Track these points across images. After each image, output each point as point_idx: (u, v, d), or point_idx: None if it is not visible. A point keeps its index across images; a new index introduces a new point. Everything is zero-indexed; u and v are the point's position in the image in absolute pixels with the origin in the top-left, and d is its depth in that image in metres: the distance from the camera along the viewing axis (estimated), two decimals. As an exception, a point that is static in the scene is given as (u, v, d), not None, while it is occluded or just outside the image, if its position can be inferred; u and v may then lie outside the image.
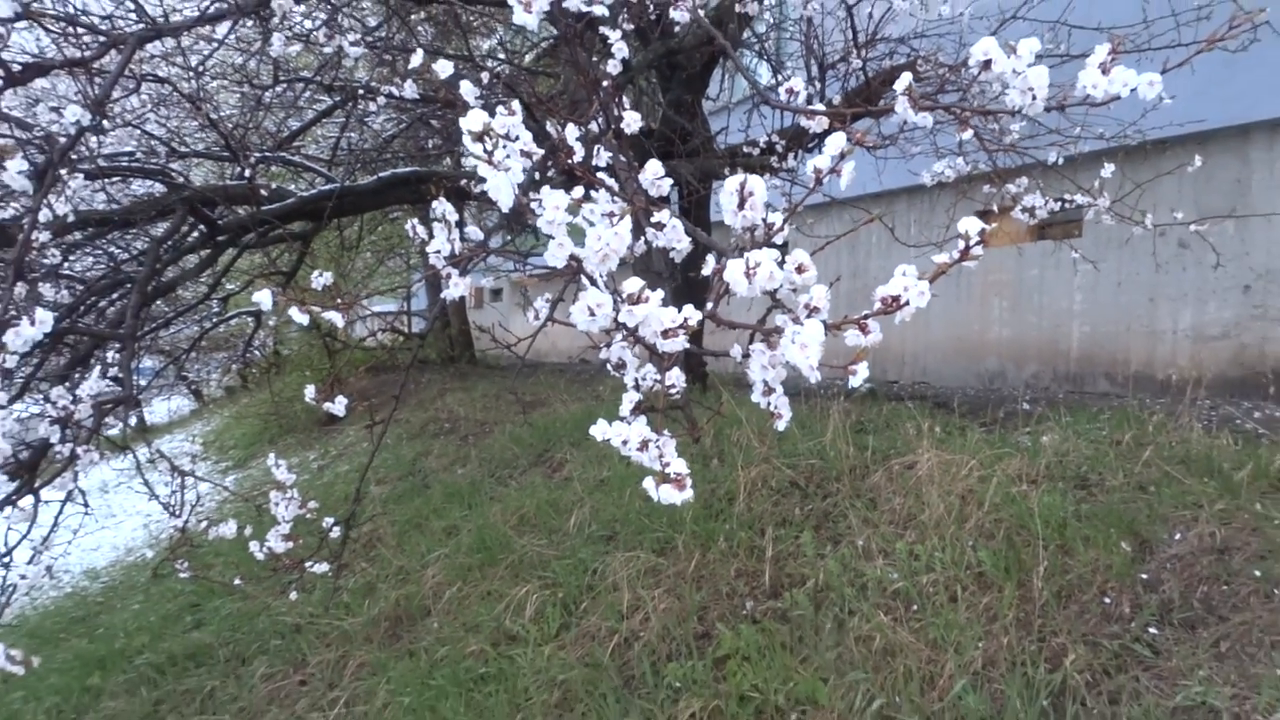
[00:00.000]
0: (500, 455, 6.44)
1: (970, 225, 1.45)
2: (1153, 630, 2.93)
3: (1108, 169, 4.12)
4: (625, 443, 1.54)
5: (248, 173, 4.83)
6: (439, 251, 2.01)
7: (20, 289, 1.99)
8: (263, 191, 4.74)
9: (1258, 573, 3.01)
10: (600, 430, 1.57)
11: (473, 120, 1.23)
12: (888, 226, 6.21)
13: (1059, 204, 4.24)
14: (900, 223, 7.92)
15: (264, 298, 1.73)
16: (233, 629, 5.00)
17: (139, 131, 5.00)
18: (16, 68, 2.10)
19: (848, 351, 1.54)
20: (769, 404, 1.66)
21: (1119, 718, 2.61)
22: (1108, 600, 3.11)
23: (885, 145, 4.56)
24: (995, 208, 4.74)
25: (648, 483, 1.55)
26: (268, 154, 5.45)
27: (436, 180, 3.68)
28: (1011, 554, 3.33)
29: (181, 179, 5.11)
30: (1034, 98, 1.66)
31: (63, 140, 2.56)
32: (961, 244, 1.46)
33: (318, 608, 4.81)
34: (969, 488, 3.77)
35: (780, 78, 5.44)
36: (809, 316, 1.48)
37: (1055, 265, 6.88)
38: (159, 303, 5.82)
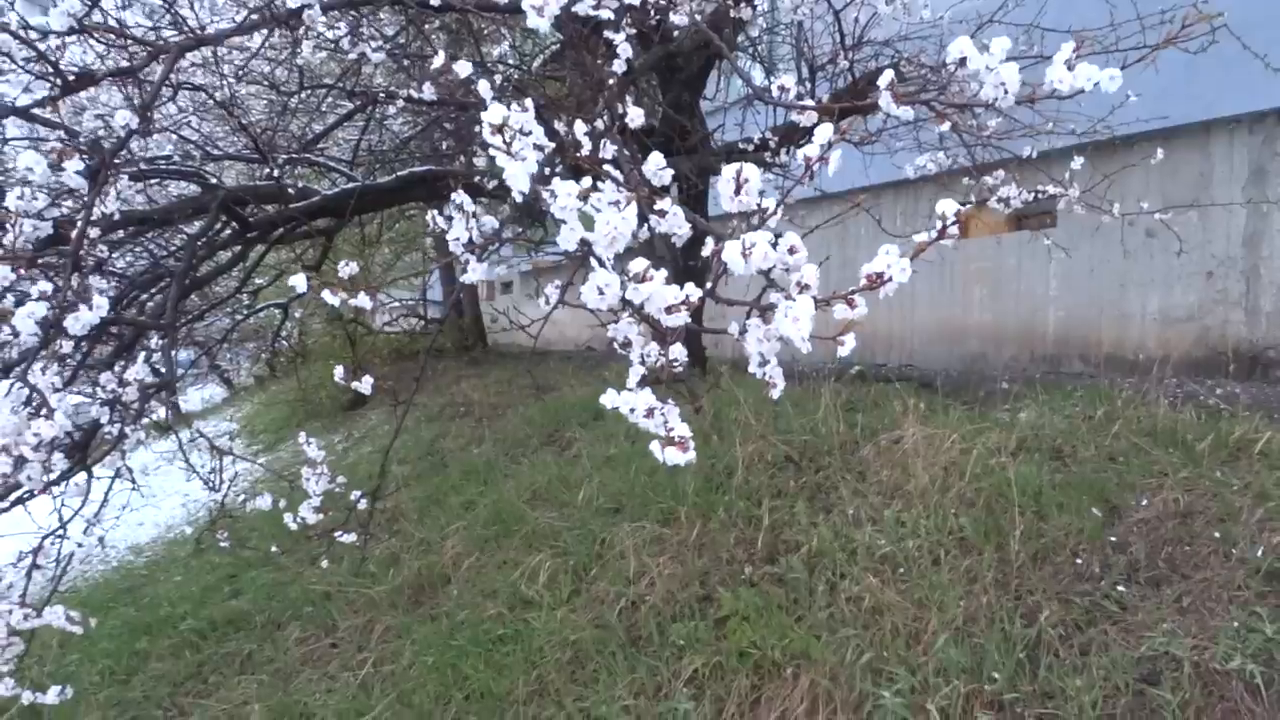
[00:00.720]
0: (513, 435, 6.49)
1: (947, 207, 1.49)
2: (1121, 588, 2.98)
3: (1078, 161, 4.14)
4: (633, 410, 1.58)
5: (275, 173, 4.86)
6: (458, 239, 2.05)
7: (75, 280, 2.03)
8: (290, 190, 4.76)
9: (1217, 534, 3.05)
10: (610, 399, 1.61)
11: (493, 113, 1.26)
12: (875, 218, 6.21)
13: (1033, 195, 4.27)
14: (887, 215, 7.92)
15: (299, 281, 1.77)
16: (268, 597, 5.06)
17: (175, 136, 5.03)
18: (70, 77, 2.13)
19: (834, 325, 1.58)
20: (764, 374, 1.70)
21: (1089, 668, 2.65)
22: (1079, 561, 3.15)
23: (871, 140, 4.58)
24: (974, 199, 4.77)
25: (654, 446, 1.60)
26: (294, 155, 5.47)
27: (454, 176, 3.70)
28: (990, 520, 3.37)
29: (215, 180, 5.14)
30: (1005, 91, 1.70)
31: (110, 144, 2.60)
32: (939, 224, 1.50)
33: (346, 577, 4.87)
34: (951, 460, 3.81)
35: (773, 79, 5.47)
36: (801, 293, 1.52)
37: (1032, 254, 6.89)
38: (194, 296, 5.86)
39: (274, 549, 4.07)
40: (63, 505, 3.24)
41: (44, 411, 2.15)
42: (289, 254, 8.39)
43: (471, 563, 4.43)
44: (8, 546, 3.24)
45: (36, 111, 2.81)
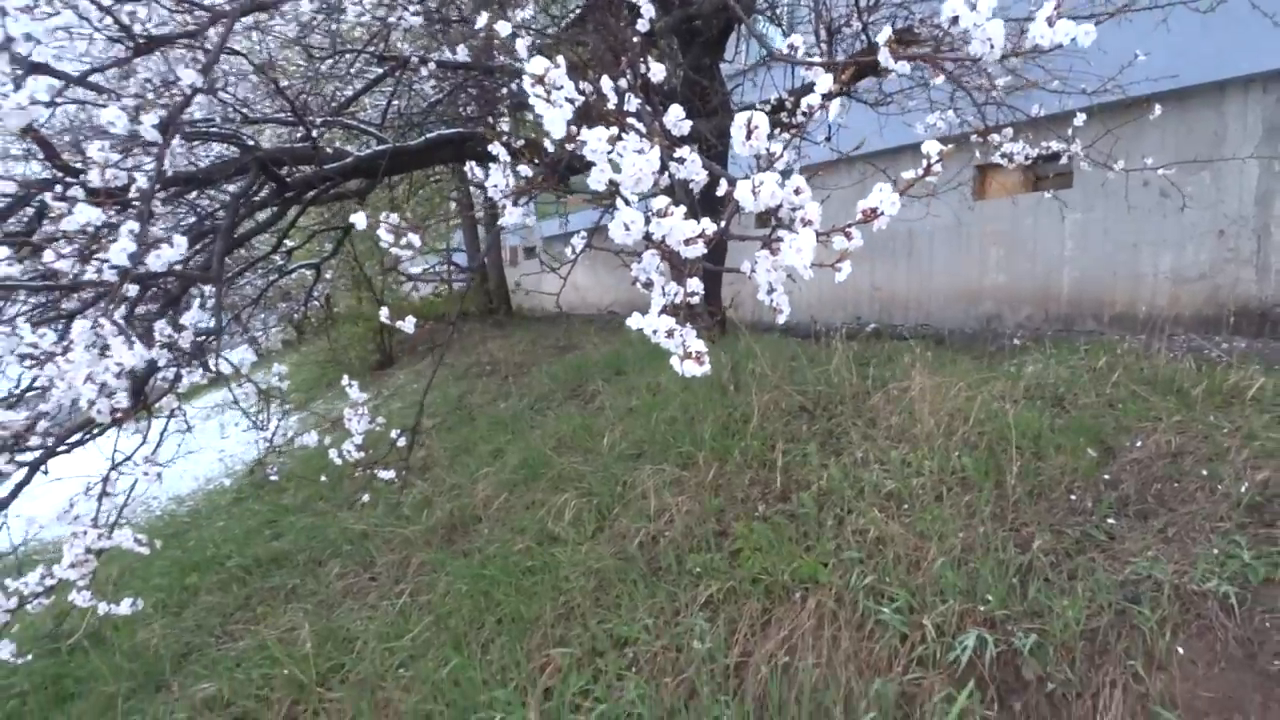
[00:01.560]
0: (538, 390, 6.73)
1: (930, 148, 1.69)
2: (1110, 520, 3.18)
3: (1080, 119, 4.27)
4: (655, 332, 1.80)
5: (311, 136, 5.08)
6: (496, 185, 2.26)
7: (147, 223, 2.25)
8: (327, 151, 4.98)
9: (1204, 472, 3.23)
10: (635, 321, 1.83)
11: (536, 65, 1.46)
12: (890, 178, 6.36)
13: (1037, 152, 4.40)
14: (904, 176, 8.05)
15: (358, 219, 1.98)
16: (308, 538, 5.36)
17: (214, 99, 5.24)
18: (141, 40, 2.33)
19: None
20: (771, 301, 1.91)
21: (1075, 590, 2.86)
22: (1073, 497, 3.35)
23: (886, 102, 4.73)
24: (984, 157, 4.90)
25: (674, 361, 1.82)
26: (328, 119, 5.68)
27: (490, 130, 3.88)
28: (991, 460, 3.58)
29: (252, 142, 5.36)
30: (991, 46, 1.87)
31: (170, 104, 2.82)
32: (925, 163, 1.70)
33: (382, 519, 5.15)
34: (957, 407, 4.00)
35: (786, 38, 5.61)
36: (804, 227, 1.72)
37: (1048, 215, 7.00)
38: (231, 257, 6.10)
39: (319, 486, 4.29)
40: (117, 444, 3.50)
41: (123, 343, 2.38)
42: (318, 218, 8.64)
43: (500, 503, 4.70)
44: (73, 486, 3.53)
45: (94, 79, 3.03)
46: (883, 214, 1.68)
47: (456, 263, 12.39)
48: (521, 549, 4.09)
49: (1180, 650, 2.63)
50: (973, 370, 4.39)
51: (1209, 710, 2.48)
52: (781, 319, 1.90)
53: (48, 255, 2.86)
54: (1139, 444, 3.51)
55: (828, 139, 5.68)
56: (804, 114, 1.77)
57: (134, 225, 2.04)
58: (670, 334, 1.79)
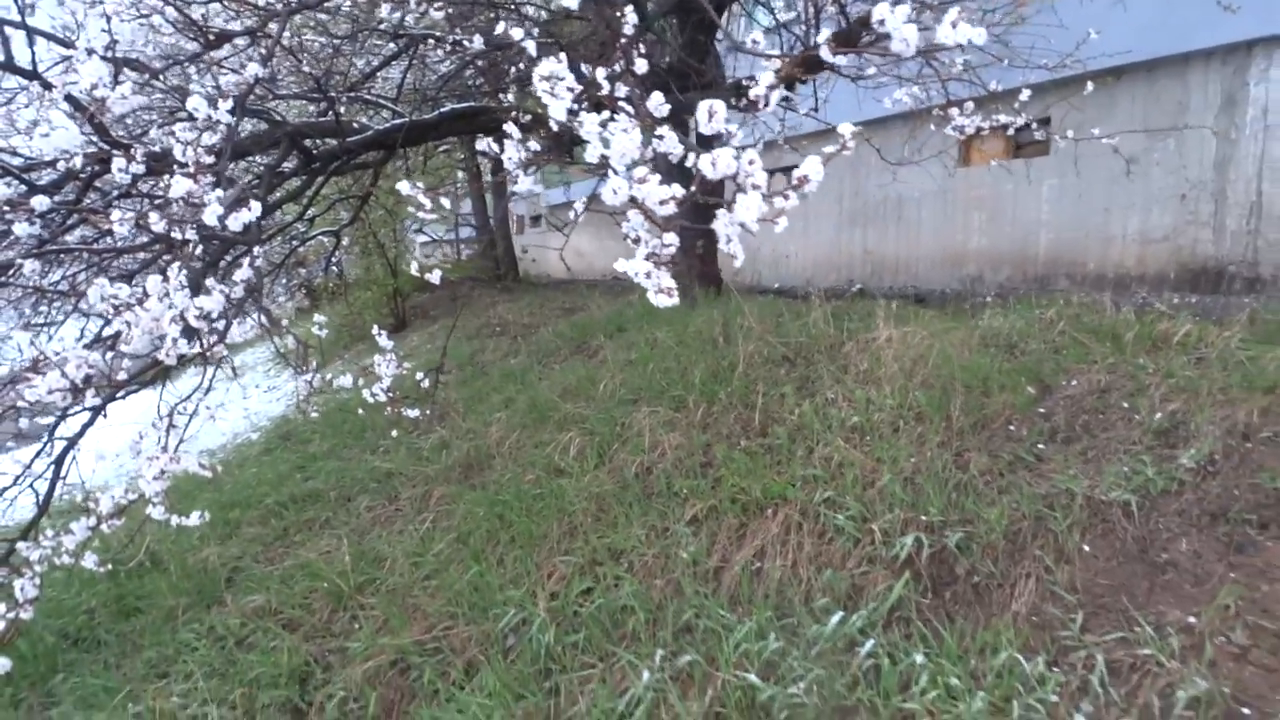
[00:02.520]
0: (545, 347, 7.26)
1: (845, 129, 2.18)
2: (1041, 446, 3.70)
3: (1025, 94, 4.71)
4: (637, 273, 2.30)
5: (335, 110, 5.56)
6: (510, 159, 2.75)
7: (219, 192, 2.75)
8: (353, 125, 5.46)
9: (1125, 405, 3.74)
10: (620, 265, 2.34)
11: (544, 68, 1.96)
12: (875, 148, 6.81)
13: (1008, 121, 4.84)
14: (893, 146, 8.49)
15: (403, 186, 2.48)
16: (337, 479, 5.92)
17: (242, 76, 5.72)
18: (211, 36, 2.81)
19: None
20: (729, 249, 2.41)
21: (1001, 500, 3.39)
22: (1011, 427, 3.87)
23: (864, 78, 5.18)
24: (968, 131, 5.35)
25: (650, 295, 2.32)
26: (351, 95, 6.15)
27: (497, 111, 4.31)
28: (944, 398, 4.08)
29: (280, 117, 5.85)
30: (907, 44, 2.36)
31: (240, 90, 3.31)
32: (840, 143, 2.19)
33: (404, 461, 5.71)
34: (919, 354, 4.51)
35: (755, 26, 6.05)
36: (751, 191, 2.22)
37: (1027, 182, 7.44)
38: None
39: (344, 435, 4.81)
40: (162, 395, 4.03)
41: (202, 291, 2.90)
42: (336, 187, 9.11)
43: (512, 443, 5.24)
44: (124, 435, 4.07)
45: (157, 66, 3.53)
46: (811, 181, 2.17)
47: (470, 223, 12.88)
48: (531, 480, 4.64)
49: (1086, 548, 3.16)
50: (936, 322, 4.89)
51: (1104, 594, 3.00)
52: (738, 263, 2.40)
53: (115, 217, 3.37)
54: (1073, 383, 4.02)
55: (815, 110, 6.13)
56: (749, 101, 2.24)
57: (221, 193, 2.54)
58: (649, 275, 2.29)
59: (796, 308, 5.88)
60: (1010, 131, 5.24)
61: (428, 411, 4.10)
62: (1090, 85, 5.49)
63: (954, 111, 4.40)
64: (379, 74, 7.43)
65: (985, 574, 3.19)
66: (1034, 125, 4.96)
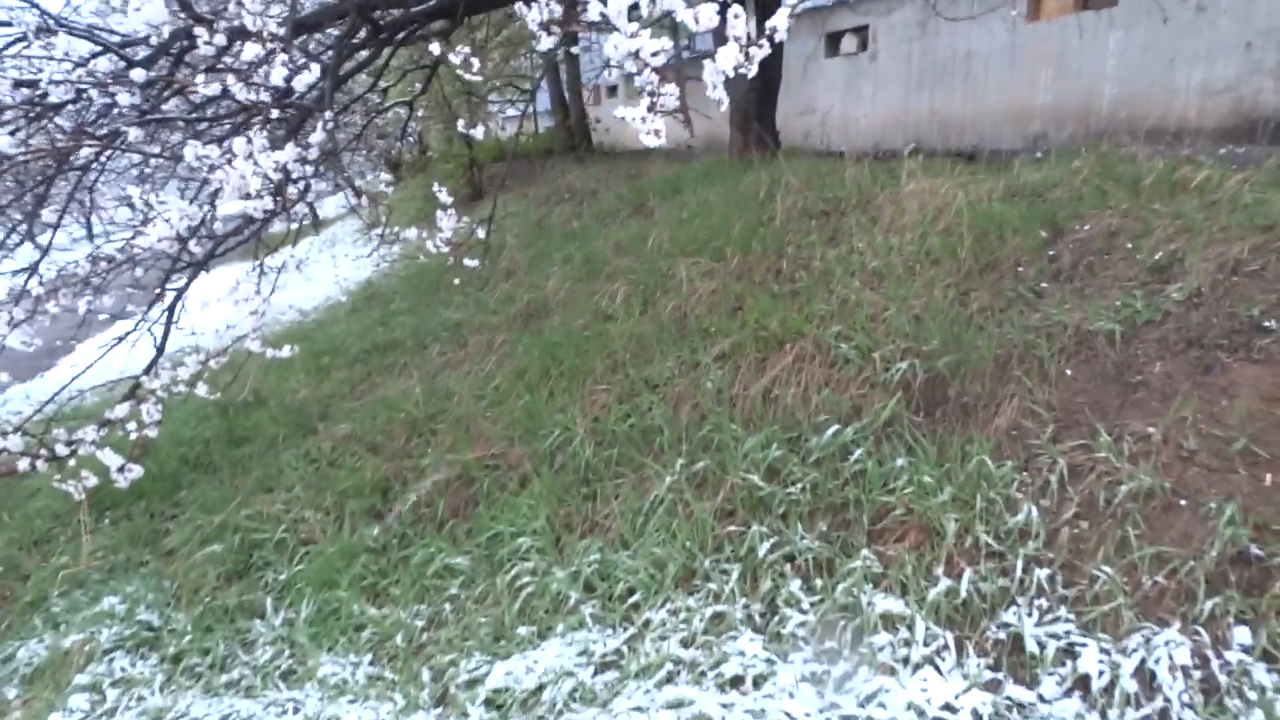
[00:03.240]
0: (605, 209, 7.66)
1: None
2: (1044, 285, 3.97)
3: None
4: (635, 118, 2.67)
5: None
6: (533, 20, 3.09)
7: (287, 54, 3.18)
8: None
9: (1130, 245, 3.95)
10: (620, 111, 2.71)
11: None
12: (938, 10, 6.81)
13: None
14: (962, 2, 8.35)
15: (454, 56, 2.86)
16: (413, 330, 6.57)
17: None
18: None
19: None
20: (713, 85, 2.74)
21: (995, 332, 3.71)
22: (1020, 269, 4.13)
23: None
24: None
25: (643, 137, 2.69)
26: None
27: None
28: (959, 243, 4.35)
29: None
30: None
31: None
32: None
33: (471, 313, 6.29)
34: (944, 203, 4.74)
35: None
36: (729, 43, 2.55)
37: (1094, 35, 7.30)
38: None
39: (421, 295, 5.35)
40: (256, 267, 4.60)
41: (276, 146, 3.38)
42: (407, 58, 9.45)
43: (566, 293, 5.74)
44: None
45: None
46: (779, 33, 2.48)
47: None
48: (581, 324, 5.14)
49: (1069, 372, 3.48)
50: (967, 174, 5.07)
51: (1079, 410, 3.34)
52: (723, 107, 2.73)
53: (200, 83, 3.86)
54: (1086, 227, 4.23)
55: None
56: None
57: (284, 57, 2.97)
58: (644, 120, 2.66)
59: (835, 165, 6.09)
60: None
61: (484, 259, 4.57)
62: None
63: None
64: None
65: (973, 395, 3.56)
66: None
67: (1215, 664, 2.40)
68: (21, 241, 5.29)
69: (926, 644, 2.73)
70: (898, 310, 3.99)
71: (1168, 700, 2.36)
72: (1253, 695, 2.25)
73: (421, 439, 4.79)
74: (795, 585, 3.07)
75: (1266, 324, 3.23)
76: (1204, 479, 2.90)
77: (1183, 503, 2.86)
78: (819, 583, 3.05)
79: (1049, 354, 3.52)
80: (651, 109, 2.72)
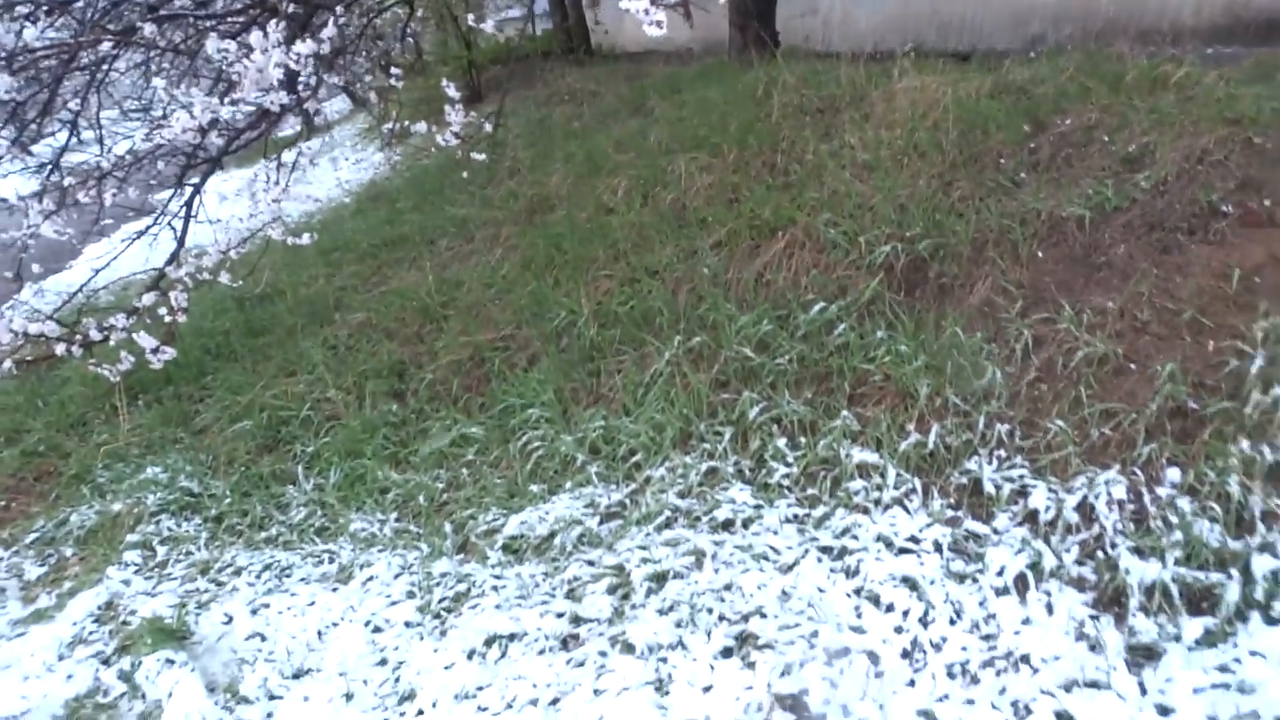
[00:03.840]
0: (607, 109, 7.79)
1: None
2: (1022, 175, 4.20)
3: None
4: (638, 9, 2.88)
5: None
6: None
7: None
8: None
9: (1106, 138, 4.17)
10: (625, 2, 2.91)
11: None
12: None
13: None
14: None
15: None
16: (421, 227, 6.78)
17: None
18: None
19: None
20: None
21: (974, 219, 3.96)
22: (1002, 161, 4.36)
23: None
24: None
25: (646, 29, 2.90)
26: None
27: None
28: (945, 137, 4.56)
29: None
30: None
31: None
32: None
33: (477, 209, 6.51)
34: (935, 99, 4.92)
35: None
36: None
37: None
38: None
39: (426, 194, 5.53)
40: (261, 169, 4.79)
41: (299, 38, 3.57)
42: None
43: (569, 188, 5.95)
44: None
45: None
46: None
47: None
48: (584, 217, 5.38)
49: (1040, 254, 3.76)
50: (957, 72, 5.24)
51: (1045, 288, 3.62)
52: (722, 0, 2.93)
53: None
54: (1067, 121, 4.43)
55: None
56: None
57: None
58: (646, 12, 2.87)
59: (833, 67, 6.21)
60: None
61: (491, 153, 4.79)
62: None
63: None
64: None
65: (951, 276, 3.84)
66: None
67: (1147, 498, 2.75)
68: (36, 139, 5.47)
69: (896, 488, 3.08)
70: (884, 199, 4.23)
71: (1103, 528, 2.71)
72: (1174, 520, 2.59)
73: (434, 325, 5.08)
74: (781, 442, 3.40)
75: (1224, 209, 3.48)
76: (1153, 346, 3.21)
77: (1132, 366, 3.17)
78: (803, 440, 3.39)
79: (1022, 238, 3.78)
80: (654, 1, 2.93)
